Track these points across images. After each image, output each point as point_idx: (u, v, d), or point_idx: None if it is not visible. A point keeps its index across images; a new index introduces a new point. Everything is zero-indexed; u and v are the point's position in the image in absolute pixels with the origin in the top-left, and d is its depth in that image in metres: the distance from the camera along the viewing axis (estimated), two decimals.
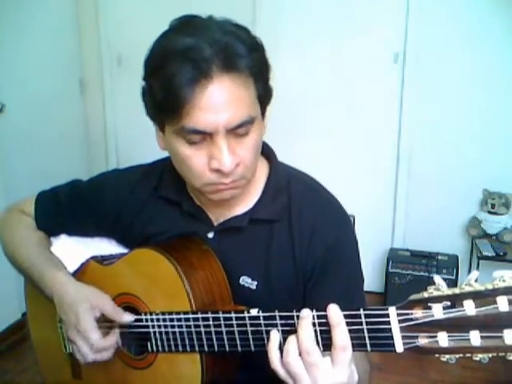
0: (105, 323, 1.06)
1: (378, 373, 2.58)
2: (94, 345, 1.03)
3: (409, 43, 3.08)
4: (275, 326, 0.86)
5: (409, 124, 3.20)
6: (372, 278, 3.25)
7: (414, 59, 3.09)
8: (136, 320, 1.05)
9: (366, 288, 1.12)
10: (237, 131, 0.91)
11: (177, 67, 0.87)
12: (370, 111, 3.24)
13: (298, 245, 1.04)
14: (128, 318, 1.04)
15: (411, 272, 3.08)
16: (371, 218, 3.19)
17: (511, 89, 3.04)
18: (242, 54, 0.90)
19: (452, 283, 2.98)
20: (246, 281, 1.05)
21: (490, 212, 3.10)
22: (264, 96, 0.96)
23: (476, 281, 0.69)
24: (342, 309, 0.81)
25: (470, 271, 3.08)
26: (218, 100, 0.88)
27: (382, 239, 3.36)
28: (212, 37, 0.89)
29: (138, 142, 2.76)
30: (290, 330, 0.85)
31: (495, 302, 0.66)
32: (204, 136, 0.91)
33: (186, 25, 0.93)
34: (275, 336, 0.86)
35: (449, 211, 3.22)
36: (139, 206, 1.15)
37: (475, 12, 3.00)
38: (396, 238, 3.37)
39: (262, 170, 1.09)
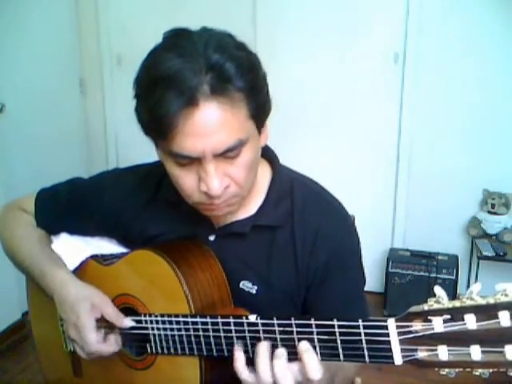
0: (104, 324, 1.06)
1: (377, 373, 2.58)
2: (90, 345, 1.02)
3: (409, 43, 3.08)
4: (273, 332, 0.86)
5: (409, 124, 3.20)
6: (372, 278, 3.25)
7: (413, 59, 3.09)
8: (135, 321, 1.04)
9: (366, 288, 1.12)
10: (226, 154, 0.89)
11: (161, 95, 0.84)
12: (370, 111, 3.24)
13: (300, 250, 1.04)
14: (128, 322, 1.04)
15: (411, 272, 3.08)
16: (371, 218, 3.19)
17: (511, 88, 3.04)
18: (233, 76, 0.85)
19: (452, 283, 2.99)
20: (246, 285, 1.05)
21: (489, 212, 3.10)
22: (259, 113, 0.93)
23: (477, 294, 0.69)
24: (342, 318, 0.81)
25: (470, 271, 3.08)
26: (204, 126, 0.85)
27: (382, 239, 3.36)
28: (201, 58, 0.85)
29: (138, 142, 2.75)
30: (288, 337, 0.85)
31: (497, 317, 0.65)
32: (192, 159, 0.90)
33: (175, 42, 0.89)
34: (239, 354, 0.88)
35: (449, 211, 3.23)
36: (140, 207, 1.14)
37: (475, 12, 2.99)
38: (396, 238, 3.38)
39: (265, 174, 1.08)
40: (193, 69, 0.84)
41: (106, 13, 3.57)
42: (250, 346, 0.90)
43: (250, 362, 0.91)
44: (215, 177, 0.90)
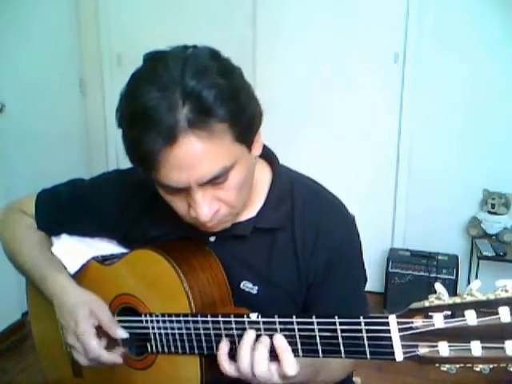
0: (104, 332, 1.06)
1: (377, 373, 2.58)
2: (91, 351, 1.02)
3: (409, 43, 3.08)
4: (274, 330, 0.86)
5: (409, 124, 3.20)
6: (372, 278, 3.21)
7: (414, 59, 3.09)
8: (136, 321, 1.05)
9: (366, 288, 1.12)
10: (213, 182, 0.89)
11: (140, 134, 0.84)
12: (370, 111, 3.24)
13: (300, 251, 1.04)
14: (121, 334, 1.04)
15: (411, 272, 3.09)
16: (371, 218, 3.18)
17: (511, 88, 3.04)
18: (212, 105, 0.83)
19: (452, 283, 2.99)
20: (246, 285, 1.04)
21: (490, 212, 3.10)
22: (246, 135, 0.90)
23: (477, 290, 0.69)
24: (343, 315, 0.81)
25: (470, 271, 3.09)
26: (186, 160, 0.85)
27: (382, 239, 3.36)
28: (177, 86, 0.82)
29: None
30: (289, 334, 0.85)
31: (497, 313, 0.65)
32: (180, 189, 0.90)
33: (152, 69, 0.87)
34: (224, 346, 0.90)
35: (449, 211, 3.23)
36: (140, 208, 1.14)
37: (475, 12, 3.00)
38: (396, 238, 3.38)
39: (265, 175, 1.08)
40: (169, 104, 0.82)
41: (106, 13, 3.56)
42: None
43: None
44: (204, 205, 0.90)
